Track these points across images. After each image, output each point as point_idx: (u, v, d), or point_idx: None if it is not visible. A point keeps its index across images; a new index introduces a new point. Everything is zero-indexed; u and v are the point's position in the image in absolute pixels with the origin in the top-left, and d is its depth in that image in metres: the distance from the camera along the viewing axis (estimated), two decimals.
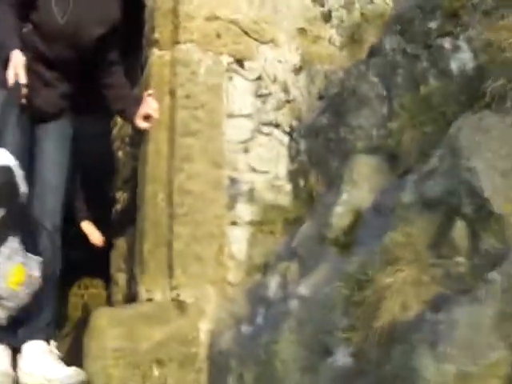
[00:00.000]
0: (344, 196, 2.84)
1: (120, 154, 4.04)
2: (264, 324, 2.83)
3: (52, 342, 3.07)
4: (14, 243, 2.68)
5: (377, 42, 3.15)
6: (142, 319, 3.06)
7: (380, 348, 2.08)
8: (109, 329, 3.00)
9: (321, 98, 3.48)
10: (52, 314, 3.13)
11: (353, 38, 3.70)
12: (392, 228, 2.34)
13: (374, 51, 3.15)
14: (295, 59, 3.68)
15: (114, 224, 3.90)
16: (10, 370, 2.89)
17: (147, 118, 3.19)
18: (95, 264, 3.97)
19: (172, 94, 3.39)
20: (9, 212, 2.64)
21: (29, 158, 3.08)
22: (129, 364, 2.95)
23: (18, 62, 2.86)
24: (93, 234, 3.69)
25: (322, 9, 3.87)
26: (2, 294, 2.64)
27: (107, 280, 3.98)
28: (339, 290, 2.42)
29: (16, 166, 2.69)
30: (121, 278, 3.69)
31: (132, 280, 3.34)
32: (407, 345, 1.94)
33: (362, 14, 3.85)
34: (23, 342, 2.95)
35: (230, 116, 3.42)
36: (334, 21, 3.86)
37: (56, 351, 3.06)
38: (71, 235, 3.52)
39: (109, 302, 3.83)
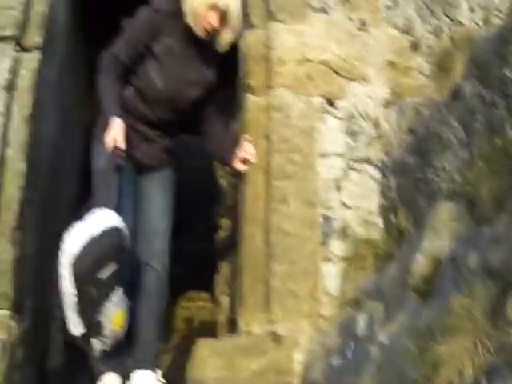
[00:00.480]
0: (425, 243, 2.92)
1: (223, 182, 4.30)
2: (352, 359, 3.04)
3: (158, 371, 3.34)
4: (120, 292, 2.94)
5: (458, 85, 3.21)
6: (240, 351, 3.32)
7: None
8: (210, 359, 3.29)
9: (411, 131, 3.53)
10: (159, 346, 3.45)
11: (441, 66, 3.71)
12: (458, 289, 2.49)
13: (455, 93, 3.21)
14: (385, 93, 3.80)
15: (218, 249, 4.20)
16: None
17: (244, 161, 3.37)
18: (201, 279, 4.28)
19: (267, 138, 3.61)
20: (118, 267, 2.88)
21: (135, 205, 3.33)
22: None
23: (116, 126, 3.06)
24: None
25: (410, 38, 3.94)
26: (106, 334, 2.93)
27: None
28: (410, 344, 2.58)
29: (124, 227, 2.93)
30: (224, 300, 4.01)
31: (233, 310, 3.62)
32: None
33: (451, 39, 3.85)
34: (132, 370, 3.24)
35: (323, 156, 3.62)
36: (423, 49, 3.92)
37: (162, 379, 3.34)
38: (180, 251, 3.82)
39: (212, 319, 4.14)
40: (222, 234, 4.16)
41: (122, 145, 3.06)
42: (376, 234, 3.55)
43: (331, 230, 3.54)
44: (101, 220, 2.92)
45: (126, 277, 3.01)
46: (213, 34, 3.29)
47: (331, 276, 3.50)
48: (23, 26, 3.66)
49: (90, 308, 2.87)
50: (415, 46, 3.93)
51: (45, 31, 3.76)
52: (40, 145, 3.80)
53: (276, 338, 3.35)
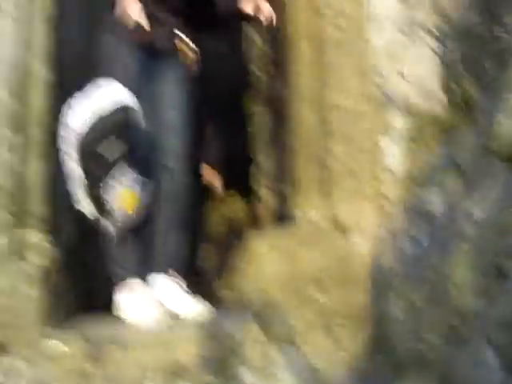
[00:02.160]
0: (506, 103, 2.63)
1: (258, 72, 3.92)
2: (430, 243, 2.72)
3: (173, 273, 3.23)
4: (126, 170, 2.96)
5: None
6: (299, 241, 3.07)
7: None
8: (267, 252, 3.04)
9: None
10: (178, 250, 3.30)
11: None
12: None
13: None
14: None
15: (253, 140, 3.86)
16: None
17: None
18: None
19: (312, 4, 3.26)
20: (129, 148, 2.91)
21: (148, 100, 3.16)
22: (288, 287, 2.97)
23: (133, 9, 3.07)
24: (214, 179, 3.67)
25: None
26: (115, 214, 3.00)
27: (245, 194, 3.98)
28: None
29: (134, 103, 2.92)
30: (265, 194, 3.67)
31: (282, 200, 3.39)
32: None
33: None
34: (147, 274, 3.16)
35: (374, 20, 3.28)
36: None
37: (182, 284, 3.21)
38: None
39: (253, 217, 3.83)
40: (257, 125, 3.74)
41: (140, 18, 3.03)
42: (438, 107, 3.25)
43: (390, 104, 3.22)
44: (109, 96, 2.91)
45: (139, 158, 3.00)
46: None
47: (393, 154, 3.18)
48: None
49: (94, 185, 2.92)
50: None
51: None
52: (64, 49, 3.52)
53: (337, 224, 3.09)
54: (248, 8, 3.34)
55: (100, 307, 3.41)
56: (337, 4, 3.23)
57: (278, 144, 3.46)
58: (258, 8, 3.35)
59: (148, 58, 3.25)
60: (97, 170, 2.93)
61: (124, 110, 2.93)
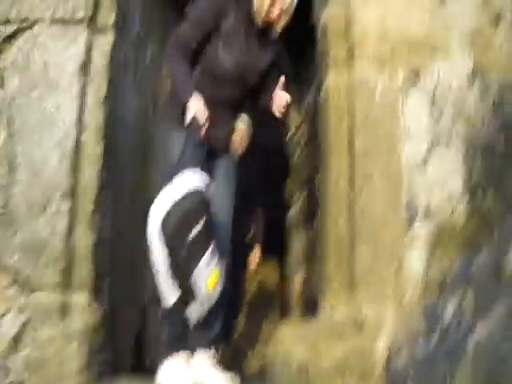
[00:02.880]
0: None
1: (296, 158, 4.27)
2: (439, 346, 3.01)
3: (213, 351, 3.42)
4: (210, 250, 3.02)
5: None
6: (324, 335, 3.31)
7: None
8: (294, 344, 3.30)
9: (495, 108, 3.46)
10: (222, 327, 3.53)
11: None
12: None
13: None
14: (468, 68, 3.68)
15: (290, 226, 4.19)
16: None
17: (281, 106, 3.42)
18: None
19: (350, 116, 3.55)
20: (204, 226, 2.99)
21: None
22: (312, 377, 3.23)
23: (197, 105, 3.19)
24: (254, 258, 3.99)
25: (491, 11, 3.81)
26: (201, 297, 3.01)
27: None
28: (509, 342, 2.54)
29: (205, 185, 3.08)
30: (297, 280, 4.00)
31: (311, 291, 3.64)
32: None
33: None
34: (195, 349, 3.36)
35: (407, 133, 3.53)
36: (503, 24, 3.78)
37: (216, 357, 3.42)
38: None
39: (282, 296, 4.16)
40: (294, 210, 4.08)
41: (205, 120, 3.20)
42: (461, 216, 3.47)
43: (416, 211, 3.47)
44: (182, 183, 3.03)
45: (213, 234, 3.08)
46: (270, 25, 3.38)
47: (416, 259, 3.44)
48: (95, 7, 3.63)
49: (183, 271, 2.95)
50: (496, 21, 3.79)
51: (117, 11, 3.71)
52: (116, 126, 3.78)
53: (360, 322, 3.35)
54: (276, 110, 3.48)
55: (136, 368, 3.74)
56: (375, 116, 3.53)
57: (312, 241, 3.73)
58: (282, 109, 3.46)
59: (205, 153, 3.43)
60: (185, 256, 2.98)
61: (195, 191, 3.05)
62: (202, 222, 2.99)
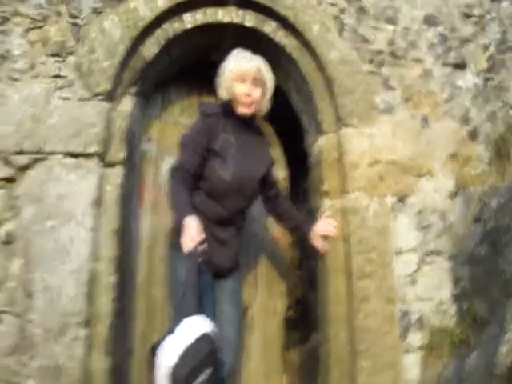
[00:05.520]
0: (508, 335, 3.19)
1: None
2: None
3: None
4: None
5: None
6: None
7: None
8: None
9: (476, 221, 3.88)
10: None
11: (499, 153, 4.05)
12: None
13: None
14: (449, 185, 4.13)
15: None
16: None
17: (325, 237, 3.65)
18: None
19: (346, 240, 3.94)
20: (212, 371, 2.97)
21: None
22: None
23: (190, 225, 3.19)
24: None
25: (467, 127, 4.26)
26: None
27: None
28: None
29: (213, 331, 3.04)
30: None
31: None
32: None
33: (506, 124, 4.17)
34: None
35: (398, 253, 3.95)
36: (481, 137, 4.23)
37: None
38: None
39: None
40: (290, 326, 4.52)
41: (199, 238, 3.19)
42: (451, 322, 3.90)
43: (409, 323, 3.89)
44: (191, 328, 3.00)
45: (219, 378, 3.09)
46: (254, 107, 3.68)
47: (411, 366, 3.84)
48: (106, 142, 3.87)
49: None
50: (473, 135, 4.22)
51: (127, 145, 3.95)
52: (128, 256, 3.99)
53: None
54: (318, 242, 3.73)
55: None
56: (368, 240, 3.93)
57: (314, 371, 4.07)
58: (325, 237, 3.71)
59: (211, 276, 3.50)
60: None
61: (205, 337, 3.01)
62: (209, 369, 2.96)
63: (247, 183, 3.68)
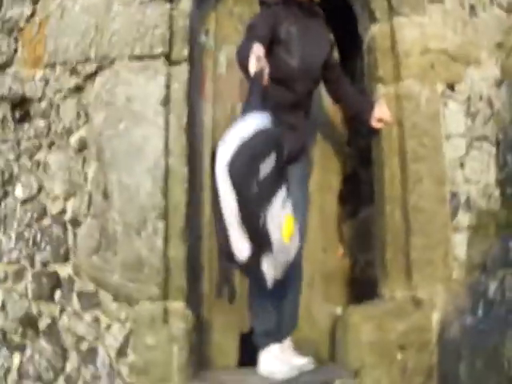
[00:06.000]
0: None
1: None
2: (484, 318, 3.58)
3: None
4: (282, 193, 2.91)
5: None
6: (387, 314, 3.90)
7: None
8: (362, 324, 3.89)
9: None
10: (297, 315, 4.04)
11: None
12: None
13: None
14: (495, 73, 4.26)
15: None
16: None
17: (380, 120, 3.87)
18: None
19: (399, 124, 4.07)
20: (276, 162, 2.90)
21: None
22: (378, 351, 3.83)
23: (257, 51, 3.17)
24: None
25: None
26: (276, 247, 2.88)
27: None
28: None
29: (272, 127, 2.99)
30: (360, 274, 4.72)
31: (374, 280, 4.24)
32: None
33: None
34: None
35: (448, 137, 4.10)
36: None
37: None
38: None
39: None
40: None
41: (265, 62, 3.18)
42: (496, 204, 4.09)
43: (458, 204, 4.06)
44: (249, 124, 2.94)
45: (286, 175, 3.03)
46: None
47: (460, 244, 4.04)
48: (170, 41, 3.91)
49: (253, 215, 2.82)
50: None
51: (189, 43, 3.98)
52: (195, 148, 4.09)
53: (416, 301, 3.94)
54: (376, 124, 3.93)
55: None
56: (421, 125, 4.06)
57: (373, 236, 4.28)
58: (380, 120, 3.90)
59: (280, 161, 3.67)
60: (254, 196, 2.80)
61: (262, 131, 2.91)
62: (272, 158, 2.84)
63: (313, 67, 3.81)
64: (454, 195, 4.04)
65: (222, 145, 2.86)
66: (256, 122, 2.94)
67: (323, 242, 4.71)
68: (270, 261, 2.91)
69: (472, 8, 4.23)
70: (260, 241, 2.85)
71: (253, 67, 3.10)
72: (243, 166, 2.80)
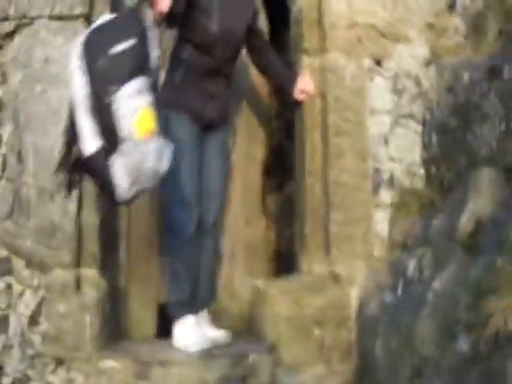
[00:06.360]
0: (470, 204, 3.37)
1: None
2: (403, 296, 3.56)
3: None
4: (138, 81, 2.57)
5: (497, 64, 3.65)
6: (305, 289, 3.87)
7: (489, 347, 2.73)
8: (279, 298, 3.85)
9: (449, 90, 3.96)
10: (214, 290, 4.11)
11: (476, 28, 4.10)
12: (501, 249, 2.96)
13: (494, 71, 3.61)
14: (425, 53, 4.21)
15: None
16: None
17: (303, 92, 3.87)
18: None
19: (323, 97, 4.02)
20: (134, 47, 2.61)
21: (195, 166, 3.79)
22: (295, 326, 3.79)
23: None
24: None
25: None
26: (127, 144, 2.53)
27: None
28: (463, 294, 3.06)
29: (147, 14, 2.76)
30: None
31: (293, 255, 4.20)
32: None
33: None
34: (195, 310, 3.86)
35: (373, 113, 4.05)
36: (459, 9, 4.28)
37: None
38: None
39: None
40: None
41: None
42: (419, 183, 4.05)
43: (381, 181, 4.03)
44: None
45: (147, 67, 2.67)
46: None
47: (381, 221, 4.01)
48: (91, 2, 3.93)
49: (97, 94, 2.52)
50: (452, 7, 4.29)
51: (110, 5, 3.92)
52: None
53: (335, 276, 3.91)
54: (299, 95, 3.95)
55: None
56: (344, 99, 4.02)
57: (289, 216, 4.25)
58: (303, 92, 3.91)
59: (198, 128, 3.74)
60: (103, 71, 2.52)
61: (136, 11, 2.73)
62: (131, 42, 2.56)
63: (234, 32, 3.79)
64: (377, 172, 3.99)
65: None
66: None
67: (246, 214, 4.70)
68: (121, 163, 2.54)
69: None
70: (106, 131, 2.53)
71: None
72: (96, 39, 2.60)
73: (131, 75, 2.52)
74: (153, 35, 2.67)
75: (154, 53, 2.66)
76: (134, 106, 2.51)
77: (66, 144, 2.70)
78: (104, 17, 2.79)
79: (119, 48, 2.52)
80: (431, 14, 4.25)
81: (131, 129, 2.50)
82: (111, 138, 2.51)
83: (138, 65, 2.55)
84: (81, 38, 2.64)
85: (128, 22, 2.65)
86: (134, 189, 2.60)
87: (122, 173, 2.53)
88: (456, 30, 4.20)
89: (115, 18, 2.69)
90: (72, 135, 2.61)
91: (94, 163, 2.57)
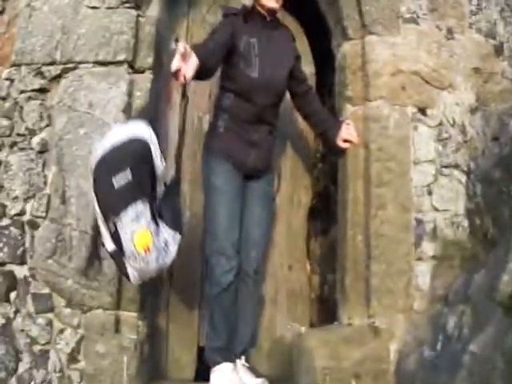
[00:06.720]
0: (510, 265, 3.23)
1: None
2: (441, 352, 3.48)
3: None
4: (141, 208, 2.95)
5: None
6: (344, 341, 3.80)
7: None
8: (317, 349, 3.78)
9: (495, 139, 3.86)
10: (254, 337, 4.03)
11: None
12: None
13: None
14: (471, 100, 4.11)
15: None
16: None
17: (346, 141, 3.73)
18: None
19: (366, 146, 3.97)
20: (135, 178, 2.95)
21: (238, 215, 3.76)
22: (333, 378, 3.70)
23: (181, 47, 3.10)
24: None
25: (493, 42, 4.22)
26: (129, 254, 2.96)
27: None
28: (499, 359, 2.97)
29: (153, 143, 3.04)
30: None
31: (335, 306, 4.13)
32: None
33: None
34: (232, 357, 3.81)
35: (416, 163, 3.98)
36: (506, 52, 4.20)
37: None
38: None
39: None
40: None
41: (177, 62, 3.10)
42: (463, 235, 3.94)
43: (423, 232, 3.94)
44: (127, 130, 3.05)
45: (145, 192, 3.02)
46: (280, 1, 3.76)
47: (423, 274, 3.92)
48: (135, 48, 3.93)
49: (109, 218, 2.94)
50: (499, 51, 4.20)
51: (154, 51, 4.00)
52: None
53: (374, 329, 3.84)
54: (341, 144, 3.81)
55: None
56: (388, 148, 3.96)
57: (334, 261, 4.19)
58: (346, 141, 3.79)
59: (241, 176, 3.71)
60: (109, 199, 2.95)
61: (138, 141, 2.99)
62: (127, 172, 2.92)
63: (275, 79, 3.75)
64: (420, 223, 3.87)
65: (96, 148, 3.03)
66: (132, 128, 3.05)
67: (290, 259, 4.67)
68: (130, 264, 3.01)
69: (449, 31, 4.12)
70: (116, 241, 2.97)
71: (174, 64, 3.05)
72: (104, 168, 2.96)
73: (127, 204, 2.92)
74: (157, 153, 3.05)
75: (158, 163, 3.08)
76: (131, 230, 2.93)
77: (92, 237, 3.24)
78: (105, 141, 3.04)
79: (118, 178, 2.92)
80: (477, 58, 4.16)
81: (131, 240, 2.95)
82: (120, 246, 2.98)
83: (133, 194, 2.95)
84: (97, 154, 3.00)
85: (126, 151, 2.98)
86: (144, 279, 3.14)
87: (131, 271, 3.05)
88: (503, 75, 4.07)
89: (115, 146, 2.99)
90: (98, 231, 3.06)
91: (113, 258, 3.09)
